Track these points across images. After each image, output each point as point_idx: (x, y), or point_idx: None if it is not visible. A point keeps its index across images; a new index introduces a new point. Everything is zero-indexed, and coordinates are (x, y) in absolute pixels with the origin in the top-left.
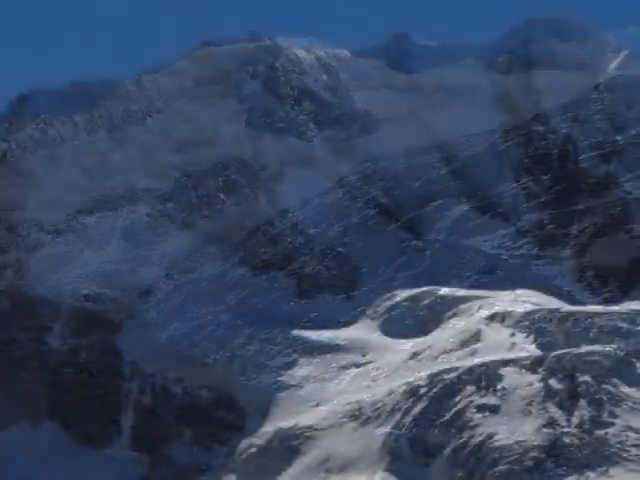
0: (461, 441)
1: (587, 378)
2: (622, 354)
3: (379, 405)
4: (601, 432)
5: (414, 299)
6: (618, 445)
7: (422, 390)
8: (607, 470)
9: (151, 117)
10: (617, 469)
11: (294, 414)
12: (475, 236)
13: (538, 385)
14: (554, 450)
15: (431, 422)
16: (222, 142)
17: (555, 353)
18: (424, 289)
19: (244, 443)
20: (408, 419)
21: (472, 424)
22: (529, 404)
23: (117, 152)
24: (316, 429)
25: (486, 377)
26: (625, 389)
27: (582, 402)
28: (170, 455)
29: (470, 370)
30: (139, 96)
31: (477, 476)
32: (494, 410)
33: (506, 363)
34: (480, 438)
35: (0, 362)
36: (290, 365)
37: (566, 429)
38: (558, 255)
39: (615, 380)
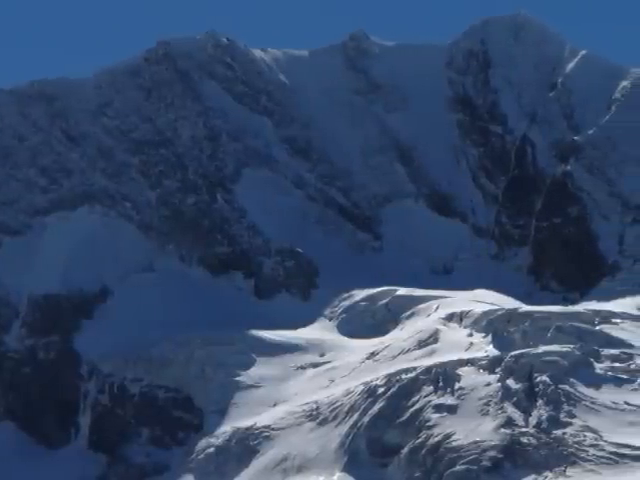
0: (419, 441)
1: (545, 378)
2: (580, 354)
3: (337, 405)
4: (559, 432)
5: (372, 299)
6: (576, 445)
7: (380, 390)
8: (565, 470)
9: (108, 117)
10: (575, 469)
11: (252, 414)
12: (432, 236)
13: (496, 385)
14: (512, 450)
15: (389, 422)
16: (180, 142)
17: (513, 353)
18: (382, 289)
19: (202, 443)
20: (366, 419)
21: (430, 424)
22: (487, 404)
23: (75, 152)
24: (274, 429)
25: (444, 377)
26: (583, 389)
27: (540, 402)
28: (128, 455)
29: (428, 370)
30: (96, 96)
31: (434, 476)
32: (452, 410)
33: (464, 363)
34: (438, 438)
35: None
36: (248, 365)
37: (524, 429)
38: (515, 255)
39: (573, 380)
